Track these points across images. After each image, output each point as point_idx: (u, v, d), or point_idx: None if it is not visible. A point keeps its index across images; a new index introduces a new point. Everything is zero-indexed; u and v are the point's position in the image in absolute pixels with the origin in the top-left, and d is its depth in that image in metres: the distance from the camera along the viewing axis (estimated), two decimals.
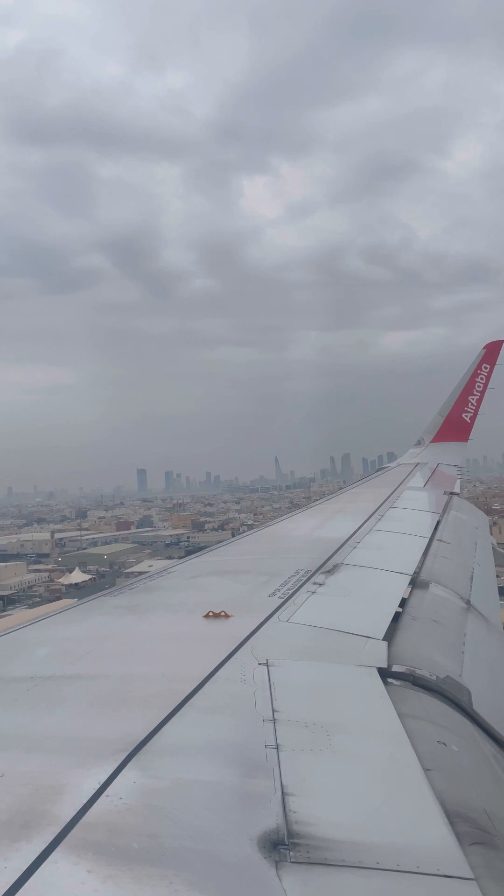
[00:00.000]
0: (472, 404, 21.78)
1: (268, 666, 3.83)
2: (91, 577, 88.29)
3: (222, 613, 4.95)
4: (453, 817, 2.39)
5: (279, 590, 5.78)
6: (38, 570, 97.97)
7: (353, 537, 8.69)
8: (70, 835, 2.17)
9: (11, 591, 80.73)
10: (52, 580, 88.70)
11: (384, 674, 3.86)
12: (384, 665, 3.98)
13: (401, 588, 6.10)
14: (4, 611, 66.27)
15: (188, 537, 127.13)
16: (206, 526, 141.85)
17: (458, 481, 18.15)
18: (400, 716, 3.24)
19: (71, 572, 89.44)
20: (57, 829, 2.19)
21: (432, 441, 21.98)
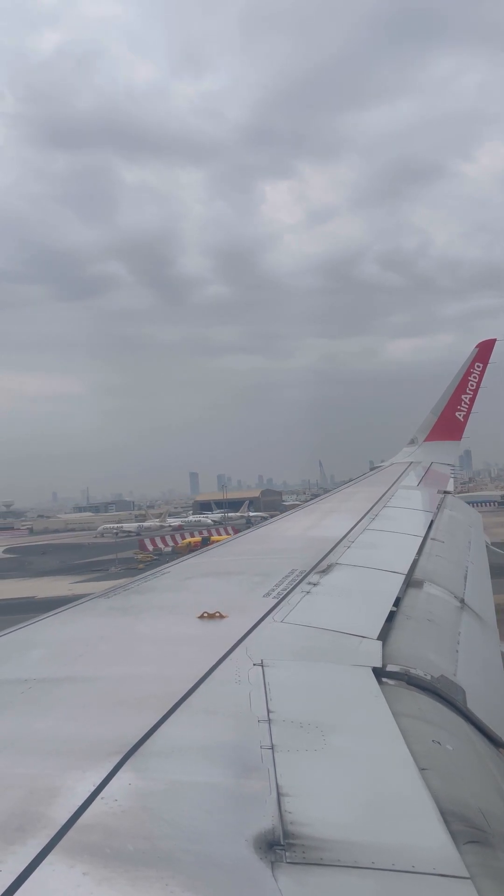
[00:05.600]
0: (465, 403, 21.85)
1: (263, 666, 3.82)
2: None
3: (217, 614, 4.95)
4: (448, 816, 2.40)
5: (274, 590, 5.78)
6: None
7: (347, 537, 8.70)
8: (65, 837, 2.16)
9: None
10: None
11: (379, 673, 3.86)
12: (379, 665, 3.98)
13: (395, 587, 6.10)
14: None
15: None
16: None
17: (452, 480, 18.23)
18: (395, 715, 3.24)
19: None
20: (52, 832, 2.19)
21: (426, 440, 22.04)
